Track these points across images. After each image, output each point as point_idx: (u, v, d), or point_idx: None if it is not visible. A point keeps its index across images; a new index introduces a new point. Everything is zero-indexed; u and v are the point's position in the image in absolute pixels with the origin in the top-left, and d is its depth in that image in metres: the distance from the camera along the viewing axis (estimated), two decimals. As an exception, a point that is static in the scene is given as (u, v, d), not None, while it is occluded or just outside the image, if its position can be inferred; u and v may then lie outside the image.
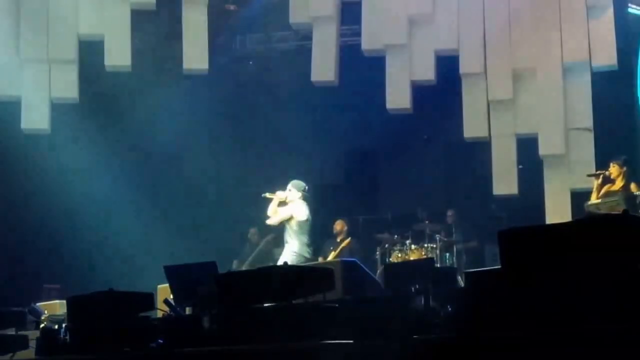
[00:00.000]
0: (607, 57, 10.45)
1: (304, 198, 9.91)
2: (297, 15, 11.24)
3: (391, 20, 10.82)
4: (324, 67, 11.12)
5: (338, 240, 12.09)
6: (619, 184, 9.21)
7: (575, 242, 4.49)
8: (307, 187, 10.03)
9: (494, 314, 4.99)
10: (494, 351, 4.49)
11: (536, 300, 4.62)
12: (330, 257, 11.48)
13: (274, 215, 9.89)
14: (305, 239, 9.78)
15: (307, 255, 9.75)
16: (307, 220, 9.77)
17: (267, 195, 9.91)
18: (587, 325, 4.21)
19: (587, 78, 10.58)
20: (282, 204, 9.88)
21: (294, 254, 9.67)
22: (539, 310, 4.57)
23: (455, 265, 11.01)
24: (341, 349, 5.14)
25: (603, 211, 8.84)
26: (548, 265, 4.58)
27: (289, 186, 9.91)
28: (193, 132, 13.93)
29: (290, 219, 9.77)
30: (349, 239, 11.78)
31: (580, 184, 10.13)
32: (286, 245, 9.83)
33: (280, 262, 9.36)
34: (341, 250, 11.72)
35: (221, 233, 13.28)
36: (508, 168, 10.71)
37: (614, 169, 9.22)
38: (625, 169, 9.22)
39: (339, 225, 12.15)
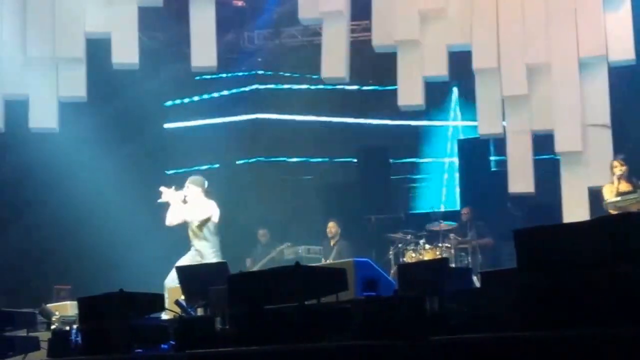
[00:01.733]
0: (624, 51, 10.31)
1: (207, 195, 9.46)
2: (306, 11, 11.15)
3: (402, 15, 10.71)
4: (334, 64, 11.03)
5: (332, 243, 12.07)
6: (624, 182, 9.12)
7: (593, 241, 4.41)
8: (207, 183, 9.54)
9: (510, 314, 4.94)
10: (511, 351, 4.43)
11: (553, 300, 4.55)
12: (329, 261, 11.44)
13: (177, 216, 9.27)
14: (218, 241, 9.34)
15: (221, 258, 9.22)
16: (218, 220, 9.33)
17: (163, 200, 9.31)
18: (605, 325, 4.13)
19: (604, 73, 10.45)
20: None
21: (214, 253, 9.18)
22: (555, 310, 4.50)
23: (470, 265, 10.92)
24: (355, 350, 5.08)
25: (622, 209, 8.74)
26: (565, 264, 4.51)
27: (187, 183, 9.41)
28: (204, 129, 13.93)
29: (207, 220, 9.27)
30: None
31: (598, 181, 10.01)
32: (198, 250, 9.23)
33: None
34: (338, 252, 11.69)
35: (232, 233, 13.26)
36: (524, 165, 10.58)
37: (623, 168, 9.13)
38: (626, 167, 9.13)
39: (332, 227, 12.11)
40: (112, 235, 12.32)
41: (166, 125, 14.84)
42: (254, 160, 14.89)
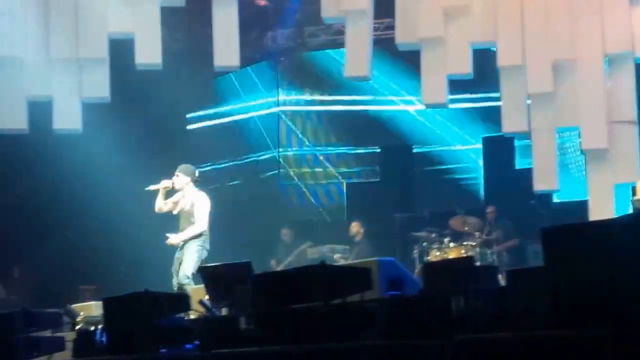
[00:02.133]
0: (651, 47, 10.20)
1: (196, 184, 9.37)
2: (329, 10, 11.10)
3: (426, 12, 10.63)
4: (357, 62, 10.97)
5: (356, 242, 12.06)
6: None
7: (621, 238, 4.35)
8: (198, 172, 9.45)
9: (536, 314, 4.90)
10: (537, 351, 4.39)
11: (580, 299, 4.51)
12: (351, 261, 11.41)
13: (165, 206, 9.26)
14: (207, 235, 9.24)
15: (208, 249, 9.18)
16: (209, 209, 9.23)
17: (152, 187, 9.29)
18: (634, 325, 4.07)
19: (630, 69, 10.32)
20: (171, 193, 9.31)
21: (200, 247, 9.11)
22: (583, 309, 4.46)
23: (495, 264, 10.85)
24: (380, 349, 5.05)
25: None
26: (592, 263, 4.46)
27: (177, 172, 9.30)
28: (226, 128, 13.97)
29: (191, 209, 9.15)
30: None
31: (624, 178, 9.89)
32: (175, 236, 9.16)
33: (186, 257, 8.96)
34: (359, 252, 11.68)
35: (254, 232, 13.27)
36: (549, 163, 10.49)
37: None
38: None
39: (354, 228, 12.10)
40: (136, 236, 12.35)
41: (189, 127, 14.90)
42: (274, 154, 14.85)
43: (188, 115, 14.96)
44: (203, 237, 9.16)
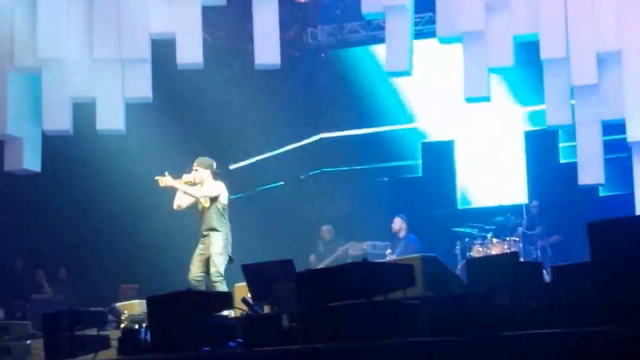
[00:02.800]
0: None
1: (215, 177, 9.25)
2: (369, 5, 11.06)
3: (467, 5, 10.52)
4: (398, 57, 10.91)
5: (400, 237, 12.00)
6: None
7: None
8: (215, 164, 9.32)
9: (583, 310, 4.85)
10: (584, 347, 4.34)
11: (627, 295, 4.45)
12: (394, 257, 11.37)
13: (185, 198, 9.15)
14: (229, 229, 9.14)
15: (231, 242, 9.09)
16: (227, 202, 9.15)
17: (170, 183, 9.13)
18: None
19: (677, 60, 10.14)
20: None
21: (225, 241, 9.02)
22: (630, 304, 4.39)
23: (540, 259, 10.73)
24: (423, 346, 5.02)
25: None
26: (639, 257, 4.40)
27: (195, 165, 9.21)
28: (265, 126, 13.98)
29: (214, 201, 9.06)
30: None
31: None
32: (207, 241, 9.04)
33: (213, 250, 8.89)
34: (404, 247, 11.63)
35: (295, 229, 13.28)
36: (594, 156, 10.34)
37: None
38: None
39: (397, 223, 12.04)
40: (177, 235, 12.43)
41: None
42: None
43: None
44: (226, 232, 9.12)
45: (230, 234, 9.12)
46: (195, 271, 9.04)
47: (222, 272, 8.93)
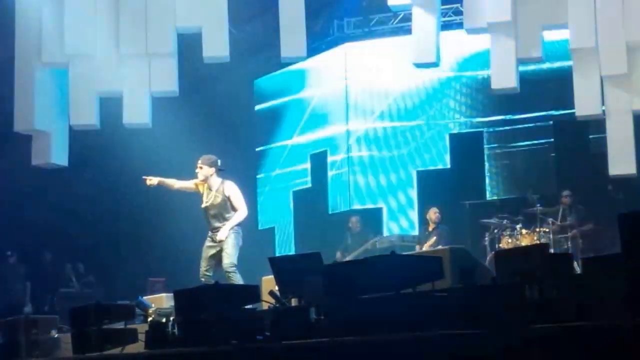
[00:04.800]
0: None
1: (219, 173, 9.23)
2: (395, -3, 11.03)
3: (493, -4, 10.46)
4: (424, 49, 10.85)
5: (430, 229, 11.96)
6: None
7: None
8: (220, 161, 9.29)
9: (615, 302, 4.79)
10: (615, 340, 4.28)
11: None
12: (426, 247, 11.34)
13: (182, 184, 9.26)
14: (240, 228, 9.17)
15: (242, 234, 9.12)
16: None
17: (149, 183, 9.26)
18: None
19: None
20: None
21: (237, 234, 9.05)
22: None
23: (570, 251, 10.64)
24: (452, 339, 4.98)
25: None
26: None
27: (199, 163, 9.20)
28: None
29: (224, 201, 9.10)
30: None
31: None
32: (219, 238, 9.05)
33: (227, 245, 8.92)
34: (439, 237, 11.59)
35: (322, 222, 13.29)
36: (625, 147, 10.23)
37: None
38: None
39: (433, 214, 12.01)
40: (205, 228, 12.48)
41: (257, 107, 14.96)
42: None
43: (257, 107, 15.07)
44: (237, 230, 9.16)
45: (240, 241, 9.15)
46: (203, 268, 9.11)
47: (236, 263, 8.98)
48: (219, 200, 9.14)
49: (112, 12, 11.05)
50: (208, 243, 9.17)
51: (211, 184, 9.20)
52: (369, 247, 12.30)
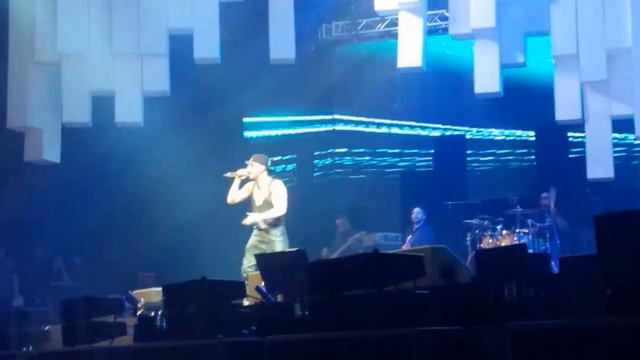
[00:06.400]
0: None
1: (269, 173, 9.33)
2: (382, 2, 11.16)
3: (479, 2, 10.62)
4: (410, 53, 11.00)
5: (413, 229, 12.13)
6: None
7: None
8: (271, 160, 9.39)
9: (589, 301, 4.90)
10: (590, 338, 4.40)
11: (633, 287, 4.51)
12: (405, 247, 11.50)
13: (238, 196, 9.20)
14: (284, 222, 9.19)
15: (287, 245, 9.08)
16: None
17: (229, 174, 9.22)
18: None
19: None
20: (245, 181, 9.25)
21: (283, 239, 9.07)
22: (637, 296, 4.46)
23: (548, 251, 10.81)
24: (433, 336, 5.11)
25: None
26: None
27: (250, 160, 9.24)
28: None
29: (269, 198, 9.08)
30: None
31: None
32: (265, 236, 9.08)
33: (277, 244, 8.93)
34: (419, 237, 11.76)
35: (310, 222, 13.37)
36: (603, 151, 10.43)
37: None
38: None
39: (416, 214, 12.19)
40: (195, 224, 12.58)
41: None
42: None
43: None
44: (282, 227, 9.17)
45: (287, 237, 9.16)
46: (247, 264, 9.07)
47: None
48: (267, 197, 9.15)
49: (105, 12, 11.13)
50: (255, 243, 9.14)
51: (260, 182, 9.23)
52: (353, 242, 12.42)
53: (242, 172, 9.24)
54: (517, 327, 4.73)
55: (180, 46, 11.17)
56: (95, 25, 11.10)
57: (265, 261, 7.55)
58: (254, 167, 9.23)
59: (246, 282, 8.02)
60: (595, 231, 4.85)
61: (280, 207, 9.09)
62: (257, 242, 9.17)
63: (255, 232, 9.24)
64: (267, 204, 9.16)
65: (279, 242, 9.10)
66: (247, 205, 9.41)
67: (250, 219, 9.11)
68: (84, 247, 13.45)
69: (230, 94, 13.35)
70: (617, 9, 10.33)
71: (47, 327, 8.84)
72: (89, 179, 13.40)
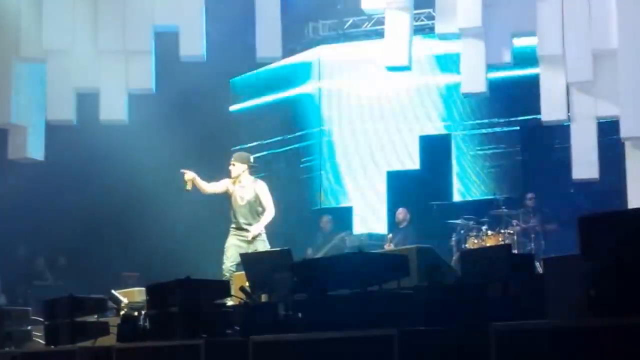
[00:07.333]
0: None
1: (251, 170, 9.37)
2: (369, 0, 11.16)
3: (465, 2, 10.64)
4: (397, 52, 11.01)
5: (400, 228, 12.15)
6: None
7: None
8: (253, 158, 9.42)
9: (573, 301, 4.90)
10: (573, 338, 4.41)
11: (616, 287, 4.51)
12: (387, 247, 11.50)
13: (218, 188, 9.22)
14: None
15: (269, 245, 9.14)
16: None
17: (186, 177, 9.19)
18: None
19: (674, 57, 10.24)
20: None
21: (263, 240, 9.15)
22: (619, 297, 4.46)
23: (533, 251, 10.84)
24: (417, 335, 5.10)
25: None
26: (630, 251, 4.47)
27: (232, 161, 9.29)
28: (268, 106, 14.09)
29: (255, 199, 9.19)
30: None
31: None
32: (241, 230, 9.13)
33: (261, 243, 9.00)
34: (403, 238, 11.76)
35: (294, 220, 13.37)
36: (588, 152, 10.46)
37: None
38: None
39: (401, 214, 12.19)
40: (178, 223, 12.54)
41: (231, 108, 15.02)
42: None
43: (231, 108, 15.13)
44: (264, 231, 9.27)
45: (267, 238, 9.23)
46: (229, 263, 9.11)
47: None
48: (251, 197, 9.19)
49: (91, 9, 11.09)
50: (235, 241, 9.17)
51: (243, 181, 9.25)
52: (337, 241, 12.42)
53: (191, 177, 9.18)
54: (502, 328, 4.73)
55: (165, 44, 11.13)
56: (80, 22, 11.06)
57: (249, 261, 7.54)
58: (235, 167, 9.28)
59: (230, 281, 8.00)
60: (579, 232, 4.85)
61: (271, 209, 9.23)
62: (237, 241, 9.19)
63: (233, 230, 9.24)
64: (251, 205, 9.19)
65: (260, 241, 9.14)
66: (224, 199, 9.35)
67: (255, 230, 9.14)
68: (68, 246, 13.41)
69: (216, 90, 13.33)
70: (603, 9, 10.35)
71: (29, 327, 8.78)
72: (74, 177, 13.36)
